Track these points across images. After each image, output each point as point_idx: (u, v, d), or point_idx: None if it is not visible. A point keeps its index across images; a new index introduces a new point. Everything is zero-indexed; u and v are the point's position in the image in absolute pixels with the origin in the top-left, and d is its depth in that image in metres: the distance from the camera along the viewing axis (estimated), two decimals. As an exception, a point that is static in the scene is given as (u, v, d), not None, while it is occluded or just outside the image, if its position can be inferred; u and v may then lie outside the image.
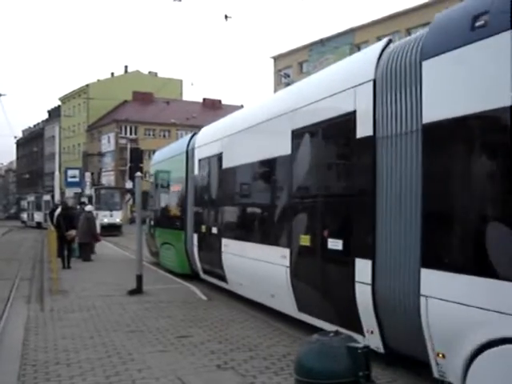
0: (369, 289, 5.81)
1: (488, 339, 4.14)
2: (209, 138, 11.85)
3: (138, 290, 11.05)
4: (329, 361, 3.44)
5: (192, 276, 12.93)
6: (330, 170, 7.30)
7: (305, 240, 7.30)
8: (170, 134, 70.73)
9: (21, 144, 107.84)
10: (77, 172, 36.53)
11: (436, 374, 4.92)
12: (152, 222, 16.60)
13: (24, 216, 56.45)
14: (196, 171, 12.57)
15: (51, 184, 47.18)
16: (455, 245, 4.77)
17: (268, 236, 8.68)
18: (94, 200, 35.02)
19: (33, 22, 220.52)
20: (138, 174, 12.25)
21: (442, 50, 4.84)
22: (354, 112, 6.20)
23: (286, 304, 7.92)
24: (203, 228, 11.84)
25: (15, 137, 61.16)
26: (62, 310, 9.42)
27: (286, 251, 7.76)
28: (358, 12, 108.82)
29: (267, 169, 8.88)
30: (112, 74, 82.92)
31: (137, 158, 14.23)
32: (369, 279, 5.80)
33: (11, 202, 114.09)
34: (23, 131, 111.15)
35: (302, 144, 7.57)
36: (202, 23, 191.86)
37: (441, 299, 4.68)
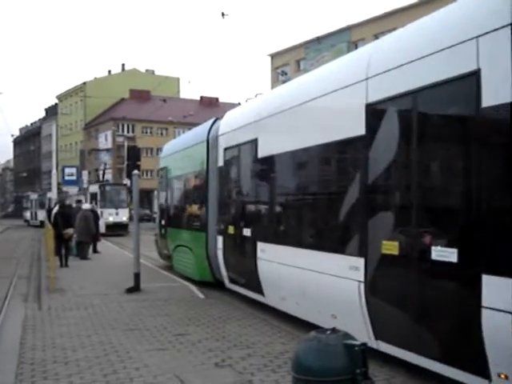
0: (509, 318, 4.22)
1: None
2: (238, 123, 10.09)
3: (135, 288, 11.05)
4: (326, 358, 3.44)
5: (214, 284, 11.29)
6: (435, 154, 5.43)
7: (390, 247, 5.60)
8: (167, 132, 70.74)
9: (18, 142, 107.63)
10: (74, 170, 36.56)
11: None
12: (163, 222, 14.91)
13: (27, 215, 53.90)
14: (221, 162, 10.72)
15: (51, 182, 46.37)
16: None
17: (329, 240, 7.02)
18: (98, 197, 33.32)
19: (30, 20, 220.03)
20: (136, 172, 12.25)
21: None
22: (477, 72, 4.60)
23: (356, 328, 5.75)
24: (231, 229, 10.07)
25: (12, 135, 61.00)
26: (59, 309, 9.41)
27: (359, 261, 6.03)
28: (355, 9, 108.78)
29: (326, 155, 7.31)
30: (109, 71, 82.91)
31: (134, 156, 14.25)
32: (509, 305, 4.22)
33: (8, 200, 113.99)
34: (20, 129, 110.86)
35: (384, 121, 5.93)
36: (198, 21, 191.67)
37: None
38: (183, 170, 13.18)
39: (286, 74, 40.39)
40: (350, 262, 6.19)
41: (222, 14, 20.41)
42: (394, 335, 5.70)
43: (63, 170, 37.10)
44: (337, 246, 6.68)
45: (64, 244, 15.71)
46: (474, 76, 4.62)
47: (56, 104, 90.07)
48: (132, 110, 68.42)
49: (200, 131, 12.42)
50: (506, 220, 4.31)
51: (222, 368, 6.01)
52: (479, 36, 4.60)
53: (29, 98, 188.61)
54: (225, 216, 10.60)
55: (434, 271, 5.06)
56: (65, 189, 38.91)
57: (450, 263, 4.76)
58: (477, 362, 4.51)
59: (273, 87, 45.90)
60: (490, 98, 4.49)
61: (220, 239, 10.58)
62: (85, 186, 41.94)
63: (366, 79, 6.10)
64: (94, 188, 35.09)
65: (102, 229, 29.32)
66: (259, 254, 8.72)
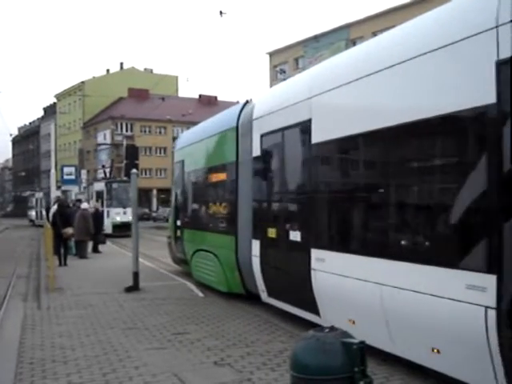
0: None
1: None
2: (281, 103, 8.20)
3: (134, 287, 11.05)
4: (324, 356, 3.44)
5: (246, 297, 9.72)
6: None
7: None
8: (165, 130, 70.83)
9: (17, 142, 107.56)
10: (73, 169, 36.43)
11: None
12: (179, 223, 13.09)
13: (32, 214, 51.09)
14: (256, 151, 8.88)
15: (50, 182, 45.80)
16: None
17: (434, 248, 5.22)
18: (104, 196, 30.77)
19: (28, 19, 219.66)
20: (134, 170, 12.25)
21: None
22: None
23: (476, 370, 4.59)
24: (272, 232, 8.32)
25: (11, 134, 60.89)
26: (58, 308, 9.41)
27: (487, 279, 4.34)
28: (353, 7, 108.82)
29: (431, 134, 5.34)
30: (107, 70, 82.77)
31: (132, 155, 14.23)
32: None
33: (7, 200, 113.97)
34: (19, 129, 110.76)
35: None
36: (197, 19, 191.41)
37: None
38: (205, 163, 11.49)
39: (284, 72, 40.42)
40: (469, 280, 4.54)
41: (221, 13, 20.41)
42: None
43: (62, 170, 37.03)
44: (448, 256, 4.92)
45: (63, 243, 15.71)
46: None
47: (54, 103, 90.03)
48: (130, 108, 68.45)
49: (226, 116, 10.75)
50: None
51: (221, 367, 6.01)
52: None
53: (27, 97, 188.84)
54: (263, 216, 8.77)
55: None
56: (63, 187, 38.74)
57: None
58: None
59: (271, 86, 45.86)
60: None
61: (256, 244, 8.75)
62: (84, 185, 41.58)
63: (497, 27, 4.39)
64: (100, 185, 32.28)
65: (109, 229, 28.33)
66: (314, 263, 6.97)
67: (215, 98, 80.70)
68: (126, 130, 68.33)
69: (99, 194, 31.06)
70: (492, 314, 4.27)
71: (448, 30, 5.04)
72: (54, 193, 32.03)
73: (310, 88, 7.28)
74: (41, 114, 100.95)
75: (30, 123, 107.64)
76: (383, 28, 34.37)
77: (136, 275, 11.18)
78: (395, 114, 5.59)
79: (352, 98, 6.39)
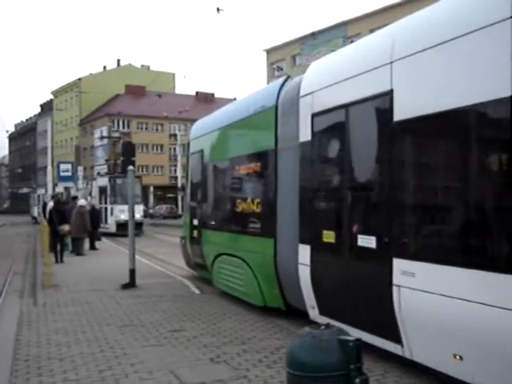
0: None
1: None
2: (344, 72, 6.47)
3: (131, 284, 11.04)
4: (320, 354, 3.43)
5: (284, 312, 8.22)
6: None
7: None
8: (162, 127, 70.81)
9: (13, 138, 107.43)
10: (69, 166, 36.20)
11: None
12: (196, 222, 11.44)
13: (34, 211, 49.08)
14: (304, 135, 7.20)
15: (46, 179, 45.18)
16: None
17: None
18: (108, 192, 29.00)
19: (24, 15, 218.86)
20: (131, 167, 12.24)
21: None
22: None
23: None
24: (329, 235, 6.59)
25: (7, 131, 61.04)
26: (54, 305, 9.40)
27: None
28: (350, 5, 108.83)
29: None
30: (104, 67, 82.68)
31: (129, 152, 14.14)
32: None
33: (4, 196, 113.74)
34: (16, 125, 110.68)
35: None
36: (194, 16, 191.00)
37: None
38: (232, 152, 9.77)
39: (281, 69, 40.38)
40: None
41: (218, 10, 20.39)
42: None
43: (58, 166, 36.87)
44: None
45: (59, 240, 15.68)
46: None
47: (51, 100, 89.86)
48: (127, 105, 68.33)
49: (261, 96, 9.03)
50: None
51: (218, 364, 6.01)
52: None
53: (24, 93, 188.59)
54: (315, 215, 7.04)
55: None
56: (64, 185, 38.55)
57: None
58: None
59: (268, 83, 45.82)
60: None
61: (305, 250, 7.09)
62: (80, 181, 41.39)
63: None
64: (103, 181, 30.10)
65: (113, 228, 27.47)
66: (398, 278, 5.32)
67: (212, 94, 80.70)
68: (123, 127, 68.25)
69: (102, 190, 29.51)
70: None
71: None
72: (56, 189, 31.31)
73: (390, 50, 5.63)
74: (37, 110, 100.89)
75: (27, 120, 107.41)
76: (380, 25, 34.40)
77: (132, 272, 11.17)
78: None
79: (465, 58, 4.66)
